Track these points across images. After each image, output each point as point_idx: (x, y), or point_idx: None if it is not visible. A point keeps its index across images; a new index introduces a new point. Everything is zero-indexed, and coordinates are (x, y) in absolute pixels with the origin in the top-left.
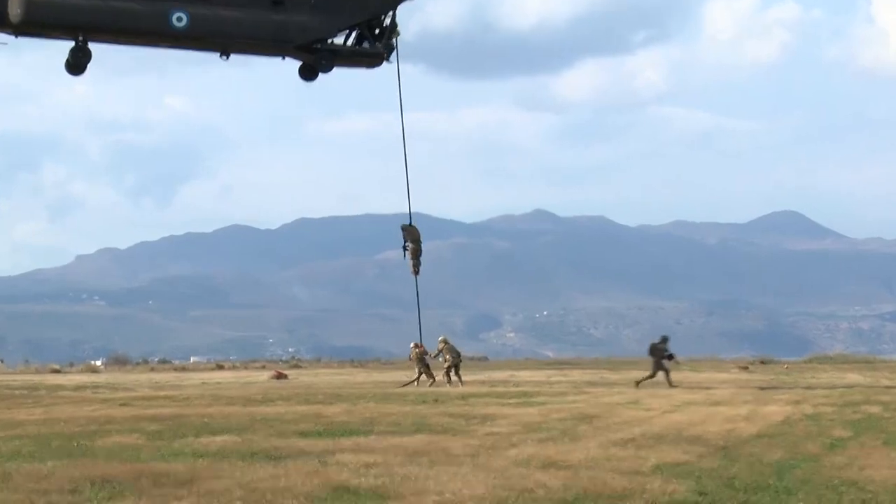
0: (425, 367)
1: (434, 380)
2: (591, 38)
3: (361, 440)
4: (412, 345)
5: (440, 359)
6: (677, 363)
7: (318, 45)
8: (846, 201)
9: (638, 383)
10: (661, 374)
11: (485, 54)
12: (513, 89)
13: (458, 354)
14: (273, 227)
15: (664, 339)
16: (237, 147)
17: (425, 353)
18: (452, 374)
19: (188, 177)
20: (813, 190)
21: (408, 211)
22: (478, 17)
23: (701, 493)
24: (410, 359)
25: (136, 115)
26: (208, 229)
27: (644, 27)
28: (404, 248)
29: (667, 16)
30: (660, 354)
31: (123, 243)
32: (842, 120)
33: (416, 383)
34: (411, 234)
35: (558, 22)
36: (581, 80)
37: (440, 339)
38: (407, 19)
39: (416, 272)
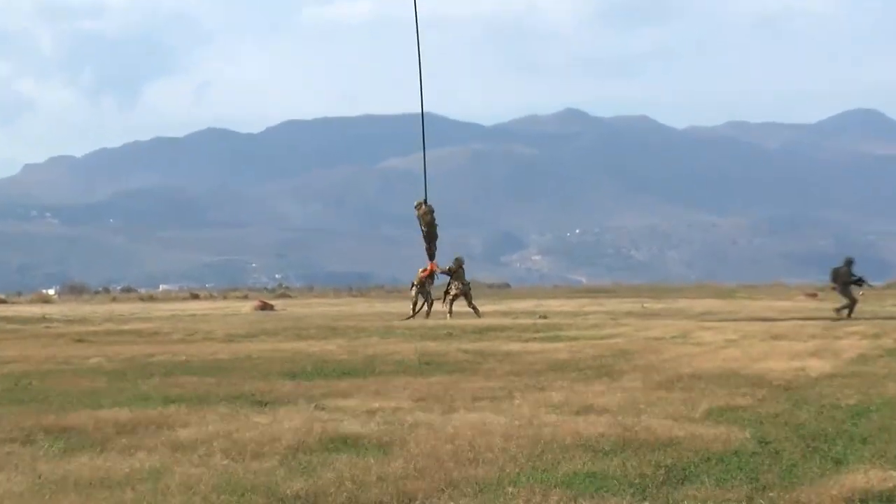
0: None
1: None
2: None
3: (361, 382)
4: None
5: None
6: (870, 287)
7: None
8: None
9: (838, 311)
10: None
11: None
12: None
13: (467, 283)
14: (256, 132)
15: (849, 262)
16: (214, 37)
17: (433, 273)
18: (463, 305)
19: (156, 73)
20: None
21: (407, 112)
22: None
23: (762, 442)
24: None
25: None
26: (180, 134)
27: None
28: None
29: None
30: (845, 279)
31: (79, 150)
32: None
33: (422, 312)
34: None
35: None
36: None
37: (456, 257)
38: None
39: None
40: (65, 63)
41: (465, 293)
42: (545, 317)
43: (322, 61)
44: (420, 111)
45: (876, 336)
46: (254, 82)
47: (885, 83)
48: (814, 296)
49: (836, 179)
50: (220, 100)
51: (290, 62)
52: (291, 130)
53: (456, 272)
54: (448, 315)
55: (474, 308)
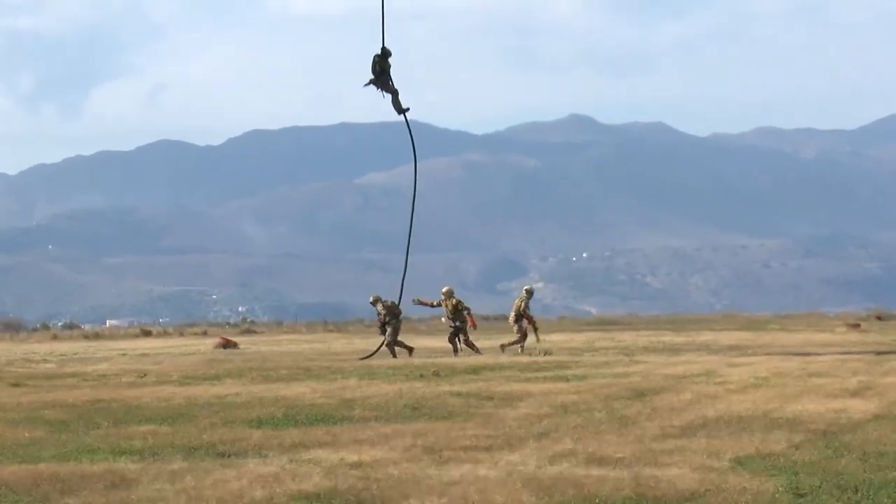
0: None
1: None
2: None
3: (337, 429)
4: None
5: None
6: None
7: None
8: None
9: None
10: None
11: None
12: None
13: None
14: (216, 143)
15: None
16: (167, 33)
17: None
18: (460, 340)
19: (101, 76)
20: None
21: (391, 120)
22: None
23: (798, 494)
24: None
25: None
26: (129, 146)
27: None
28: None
29: None
30: None
31: (13, 167)
32: None
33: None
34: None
35: None
36: None
37: (444, 289)
38: None
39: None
40: None
41: (460, 329)
42: (550, 353)
43: (291, 61)
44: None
45: None
46: (213, 85)
47: None
48: (857, 326)
49: (883, 192)
50: (175, 106)
51: (255, 62)
52: (256, 141)
53: (444, 304)
54: (473, 352)
55: (471, 345)
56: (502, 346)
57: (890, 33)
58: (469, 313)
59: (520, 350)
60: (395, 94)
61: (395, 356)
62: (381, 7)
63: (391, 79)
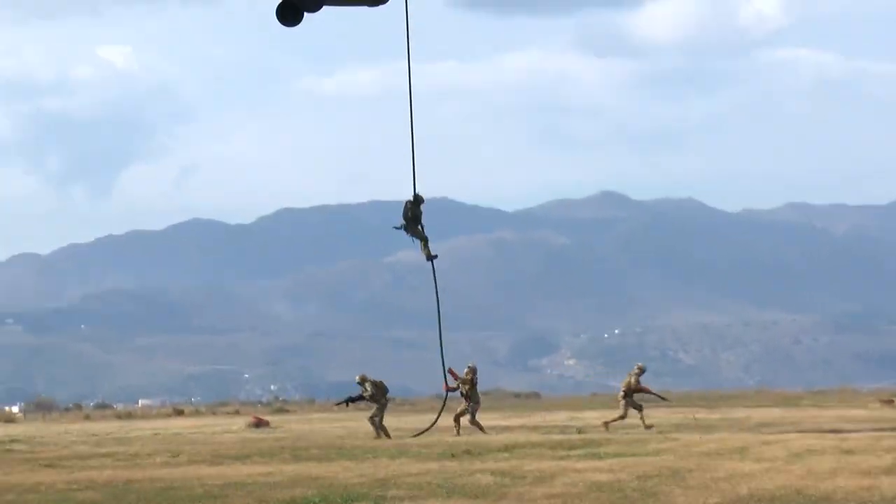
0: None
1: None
2: None
3: None
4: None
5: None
6: None
7: None
8: None
9: None
10: None
11: None
12: (575, 27)
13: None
14: (247, 222)
15: None
16: (198, 114)
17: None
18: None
19: (131, 156)
20: None
21: (430, 197)
22: None
23: None
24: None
25: (61, 72)
26: (160, 226)
27: None
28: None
29: None
30: None
31: (45, 247)
32: None
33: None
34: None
35: None
36: (668, 15)
37: (469, 365)
38: None
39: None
40: (28, 147)
41: (466, 410)
42: (582, 431)
43: (321, 140)
44: (434, 196)
45: None
46: (244, 164)
47: None
48: (891, 402)
49: None
50: (206, 185)
51: (285, 141)
52: (287, 219)
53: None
54: (479, 431)
55: (477, 423)
56: (605, 424)
57: None
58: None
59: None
60: (424, 241)
61: (379, 436)
62: (409, 127)
63: (422, 225)
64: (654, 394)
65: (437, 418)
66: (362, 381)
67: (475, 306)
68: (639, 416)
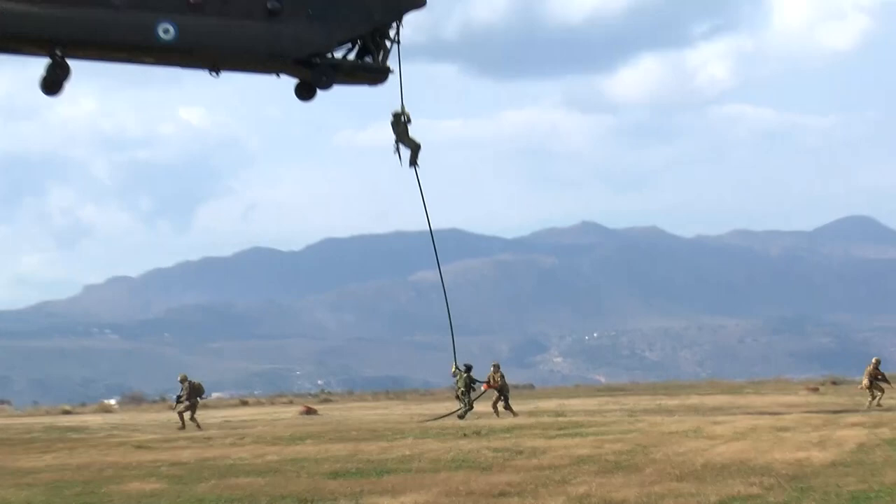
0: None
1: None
2: (649, 31)
3: (399, 479)
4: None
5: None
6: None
7: (317, 60)
8: None
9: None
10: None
11: (530, 51)
12: (561, 89)
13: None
14: (297, 249)
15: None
16: (257, 162)
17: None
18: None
19: (205, 197)
20: (887, 192)
21: (437, 228)
22: (522, 11)
23: None
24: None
25: (149, 130)
26: (227, 253)
27: (707, 17)
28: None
29: (732, 3)
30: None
31: (136, 271)
32: None
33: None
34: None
35: (613, 15)
36: (637, 78)
37: (493, 363)
38: (441, 16)
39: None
40: (122, 190)
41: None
42: (561, 415)
43: (355, 182)
44: (445, 227)
45: (875, 426)
46: (294, 203)
47: (875, 192)
48: (816, 390)
49: (834, 282)
50: (264, 220)
51: (327, 184)
52: (329, 247)
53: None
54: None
55: (508, 408)
56: (870, 404)
57: (837, 154)
58: (484, 383)
59: (876, 405)
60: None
61: (183, 426)
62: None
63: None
64: (887, 381)
65: (455, 412)
66: (182, 381)
67: (481, 315)
68: (878, 397)
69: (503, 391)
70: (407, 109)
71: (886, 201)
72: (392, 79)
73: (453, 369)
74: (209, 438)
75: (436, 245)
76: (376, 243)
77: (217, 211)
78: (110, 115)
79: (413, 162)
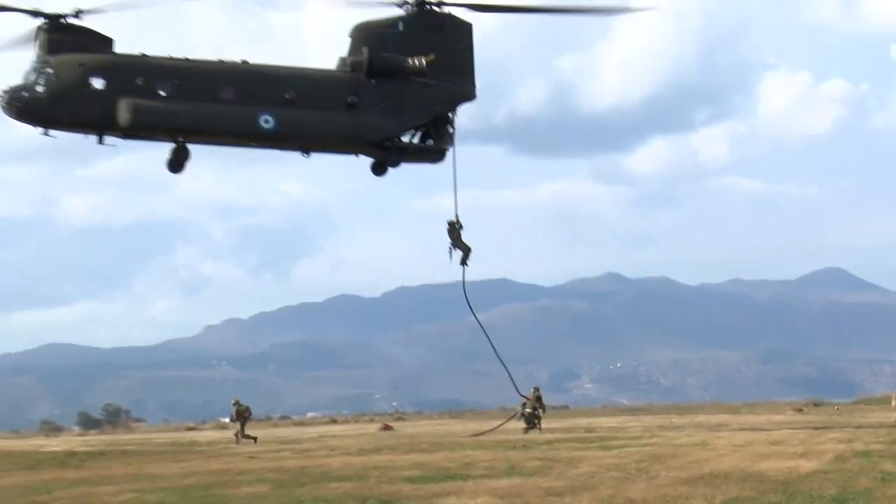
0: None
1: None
2: (660, 118)
3: (461, 484)
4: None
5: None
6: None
7: (388, 143)
8: (887, 258)
9: None
10: None
11: (563, 134)
12: (589, 165)
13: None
14: (376, 296)
15: None
16: (342, 225)
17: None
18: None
19: (301, 254)
20: (856, 248)
21: (489, 278)
22: (557, 102)
23: None
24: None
25: (255, 200)
26: (320, 299)
27: (707, 106)
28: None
29: (727, 95)
30: None
31: (246, 314)
32: (884, 183)
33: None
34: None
35: (631, 105)
36: (651, 156)
37: (535, 386)
38: (491, 107)
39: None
40: (234, 248)
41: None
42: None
43: (422, 240)
44: (495, 277)
45: (850, 441)
46: (373, 258)
47: (846, 248)
48: (801, 410)
49: (814, 322)
50: (349, 272)
51: (400, 242)
52: (401, 294)
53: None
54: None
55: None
56: None
57: (813, 217)
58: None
59: None
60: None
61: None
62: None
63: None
64: None
65: (503, 423)
66: (235, 404)
67: (525, 349)
68: None
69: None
70: (460, 218)
71: (856, 255)
72: (474, 158)
73: (524, 401)
74: (308, 450)
75: (486, 293)
76: (439, 291)
77: (311, 265)
78: (224, 189)
79: (463, 262)
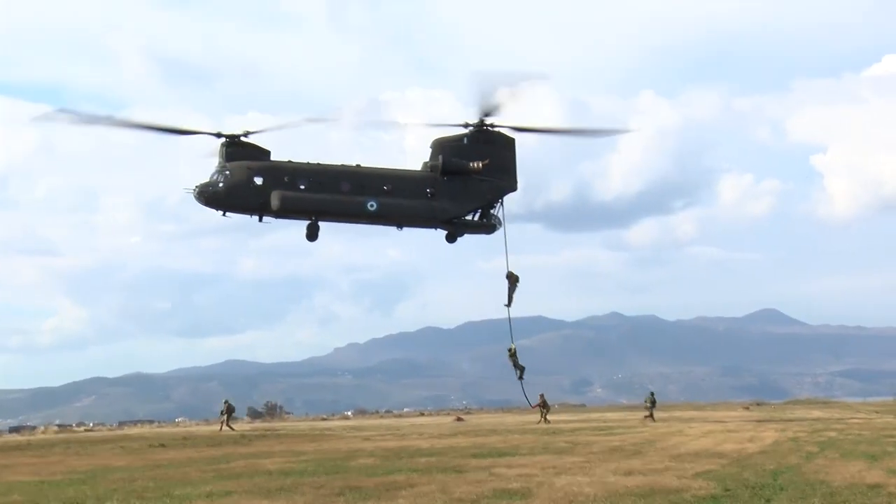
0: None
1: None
2: (650, 205)
3: (511, 459)
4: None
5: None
6: None
7: (455, 220)
8: (807, 301)
9: None
10: None
11: (582, 216)
12: (600, 237)
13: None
14: (452, 327)
15: None
16: (427, 278)
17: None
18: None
19: (400, 298)
20: (785, 294)
21: (528, 315)
22: (578, 194)
23: (725, 490)
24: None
25: (369, 261)
26: (412, 329)
27: (682, 197)
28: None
29: (696, 189)
30: None
31: (362, 339)
32: (804, 251)
33: (542, 420)
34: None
35: (629, 196)
36: (643, 231)
37: (540, 393)
38: (531, 197)
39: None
40: (354, 294)
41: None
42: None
43: (485, 289)
44: (533, 314)
45: (782, 430)
46: (449, 301)
47: (779, 294)
48: (748, 408)
49: (756, 347)
50: (433, 309)
51: (468, 289)
52: (470, 326)
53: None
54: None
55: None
56: None
57: (757, 274)
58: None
59: None
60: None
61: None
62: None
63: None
64: None
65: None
66: (224, 402)
67: (553, 364)
68: None
69: (545, 408)
70: (514, 344)
71: (785, 299)
72: (518, 234)
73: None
74: (403, 434)
75: (526, 326)
76: (495, 324)
77: (406, 305)
78: (348, 253)
79: (520, 378)
